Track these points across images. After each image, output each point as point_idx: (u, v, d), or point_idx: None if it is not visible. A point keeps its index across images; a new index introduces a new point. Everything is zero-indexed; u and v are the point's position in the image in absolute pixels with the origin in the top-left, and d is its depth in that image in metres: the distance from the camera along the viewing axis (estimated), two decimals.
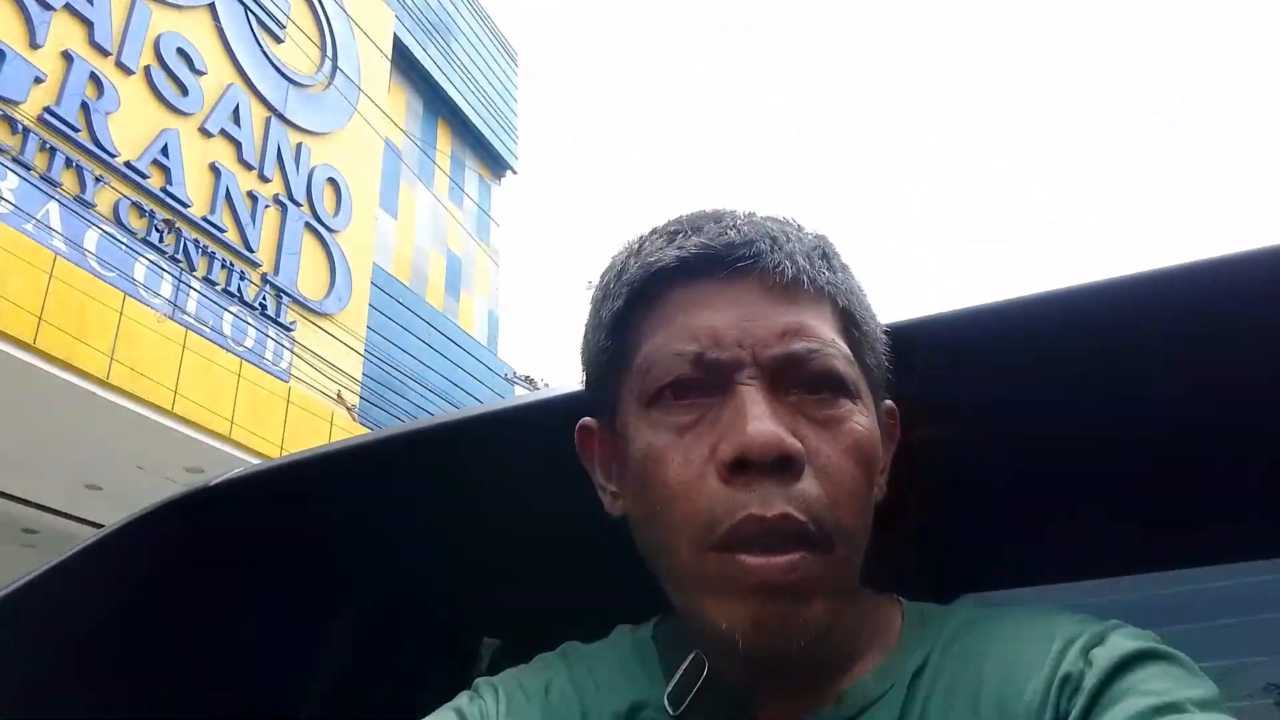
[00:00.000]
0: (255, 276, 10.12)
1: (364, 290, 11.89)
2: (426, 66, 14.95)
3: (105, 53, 8.83)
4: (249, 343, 9.65)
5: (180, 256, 9.17)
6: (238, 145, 10.25)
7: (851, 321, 0.66)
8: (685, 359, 0.62)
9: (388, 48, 13.47)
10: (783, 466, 0.58)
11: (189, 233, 9.36)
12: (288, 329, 10.37)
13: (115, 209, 8.57)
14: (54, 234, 7.79)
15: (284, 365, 10.10)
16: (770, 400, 0.60)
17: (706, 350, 0.61)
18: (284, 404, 8.88)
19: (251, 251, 10.11)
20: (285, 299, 10.41)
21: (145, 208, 8.90)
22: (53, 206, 7.90)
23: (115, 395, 6.89)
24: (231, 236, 9.90)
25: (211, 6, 10.28)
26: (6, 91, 7.71)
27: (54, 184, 7.99)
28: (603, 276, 0.70)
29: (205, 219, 9.58)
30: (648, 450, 0.63)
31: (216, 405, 7.79)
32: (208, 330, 9.01)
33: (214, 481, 0.99)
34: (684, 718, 0.64)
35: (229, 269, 9.75)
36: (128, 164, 8.79)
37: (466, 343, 14.82)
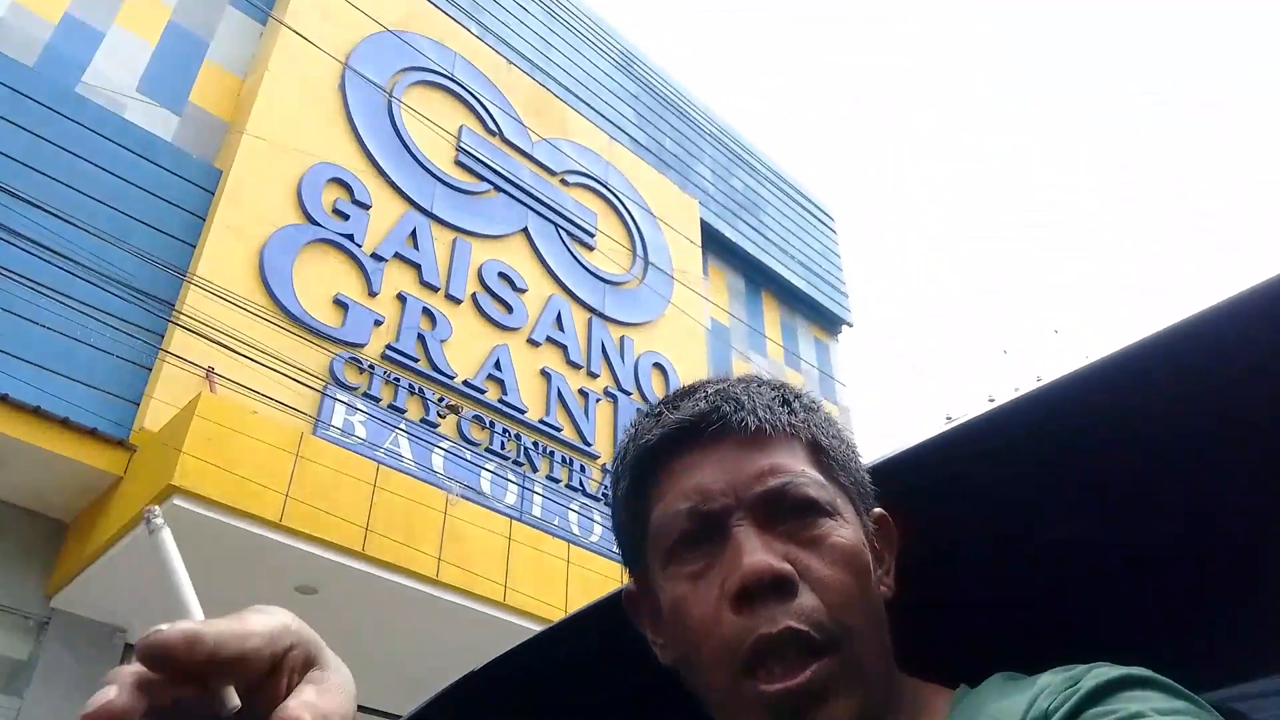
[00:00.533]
0: (595, 468, 10.25)
1: None
2: (740, 244, 15.16)
3: (434, 289, 9.74)
4: (594, 537, 9.64)
5: (523, 460, 9.51)
6: (564, 349, 10.73)
7: (820, 450, 0.77)
8: (683, 516, 0.73)
9: (695, 234, 13.84)
10: (779, 588, 0.68)
11: (528, 437, 9.73)
12: None
13: (459, 427, 9.13)
14: (405, 459, 8.38)
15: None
16: (760, 534, 0.71)
17: (698, 504, 0.73)
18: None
19: (589, 445, 10.31)
20: None
21: (486, 420, 9.41)
22: (402, 438, 8.53)
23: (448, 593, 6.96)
24: (568, 434, 10.18)
25: (525, 230, 11.15)
26: (351, 337, 8.65)
27: (400, 412, 8.70)
28: (613, 462, 0.84)
29: (542, 421, 9.95)
30: (673, 602, 0.73)
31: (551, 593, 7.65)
32: (555, 527, 9.13)
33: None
34: None
35: (569, 465, 9.96)
36: (465, 383, 9.42)
37: None
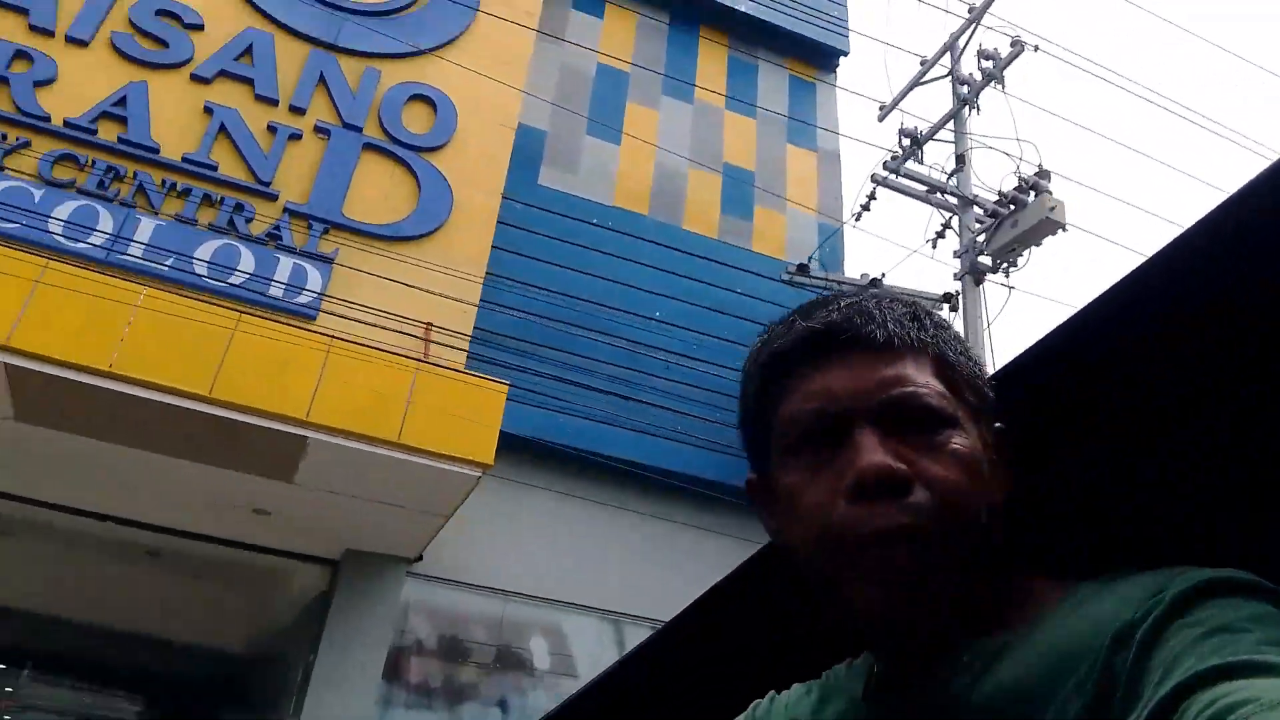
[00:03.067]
0: (269, 206, 8.49)
1: (481, 211, 9.31)
2: None
3: (47, 33, 8.58)
4: (233, 280, 7.92)
5: (131, 201, 8.06)
6: (249, 82, 9.06)
7: (946, 365, 0.80)
8: (810, 415, 0.78)
9: None
10: (894, 487, 0.72)
11: (154, 175, 8.25)
12: (326, 259, 8.40)
13: (39, 170, 7.92)
14: None
15: (307, 301, 8.09)
16: (881, 438, 0.74)
17: (825, 405, 0.78)
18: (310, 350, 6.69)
19: (264, 184, 8.57)
20: (319, 226, 8.52)
21: (84, 159, 8.10)
22: None
23: None
24: (229, 172, 8.52)
25: None
26: None
27: None
28: (745, 362, 0.88)
29: (186, 158, 8.41)
30: (790, 488, 0.79)
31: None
32: (159, 268, 7.61)
33: None
34: (865, 698, 0.83)
35: (218, 203, 8.32)
36: (66, 122, 8.18)
37: (750, 262, 10.79)
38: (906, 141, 9.39)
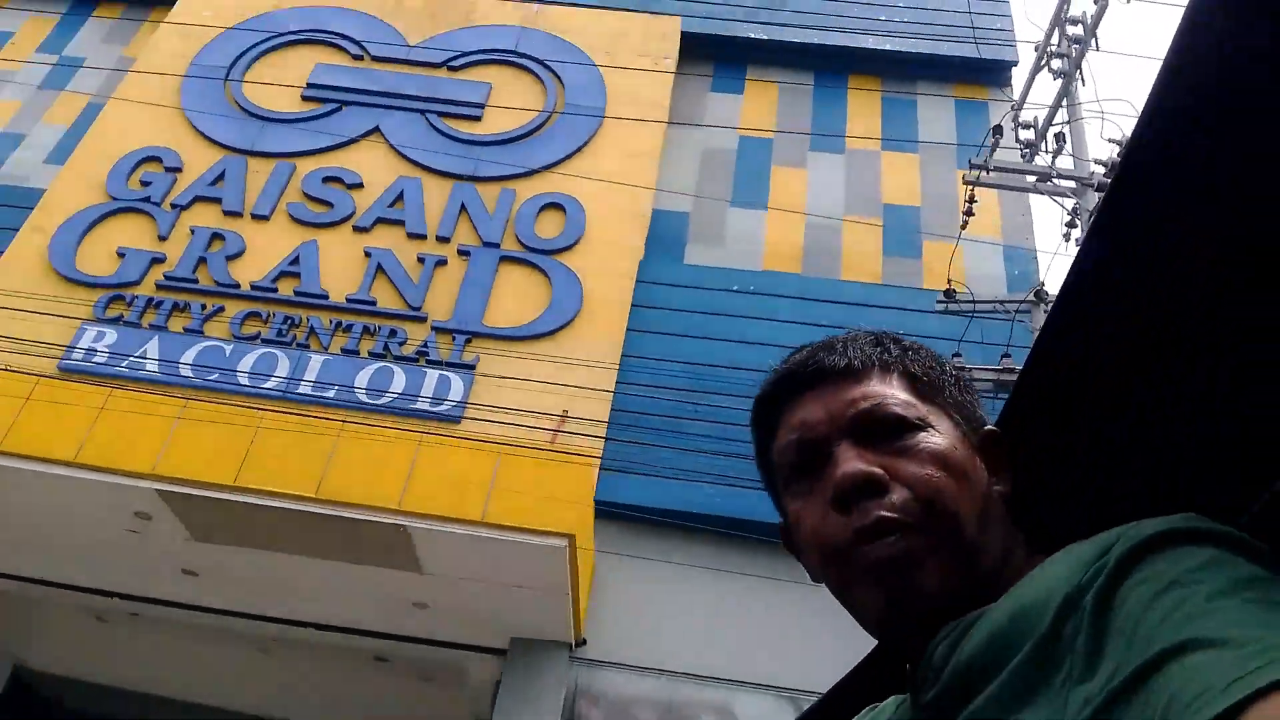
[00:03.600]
0: (420, 328, 9.36)
1: (613, 300, 9.65)
2: (774, 36, 12.30)
3: (236, 215, 10.19)
4: (385, 400, 8.77)
5: (305, 342, 9.23)
6: (401, 224, 10.15)
7: (913, 378, 0.85)
8: (793, 448, 0.84)
9: (671, 51, 11.77)
10: (871, 488, 0.77)
11: (324, 318, 9.41)
12: (469, 367, 9.08)
13: (230, 330, 9.31)
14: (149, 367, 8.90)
15: (449, 408, 8.78)
16: (857, 450, 0.79)
17: (803, 435, 0.83)
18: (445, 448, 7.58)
19: (415, 309, 9.49)
20: (461, 338, 9.25)
21: (265, 314, 9.42)
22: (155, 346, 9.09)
23: None
24: (388, 304, 9.53)
25: (378, 129, 10.93)
26: (123, 278, 9.57)
27: (161, 329, 9.26)
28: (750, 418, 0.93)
29: (350, 299, 9.53)
30: (795, 518, 0.84)
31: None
32: (308, 396, 8.65)
33: None
34: (908, 691, 0.83)
35: (374, 333, 9.31)
36: (254, 285, 9.60)
37: (919, 300, 10.18)
38: (1028, 133, 8.57)
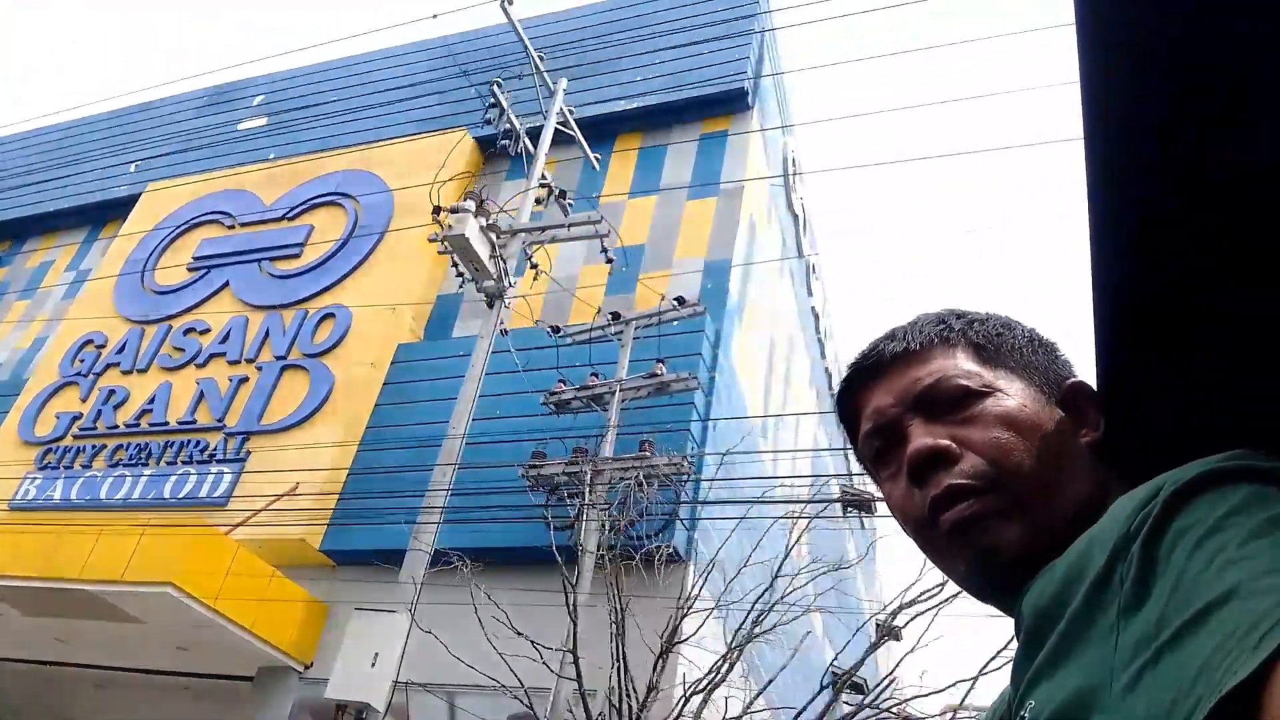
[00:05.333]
0: (217, 437, 12.27)
1: (359, 384, 12.04)
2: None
3: (126, 371, 13.72)
4: (185, 492, 11.76)
5: (142, 461, 12.45)
6: (223, 355, 13.21)
7: (978, 348, 0.90)
8: (871, 437, 0.91)
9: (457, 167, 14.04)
10: (940, 461, 0.82)
11: (157, 440, 12.61)
12: (240, 459, 11.86)
13: (105, 460, 12.75)
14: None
15: (218, 494, 11.60)
16: (926, 426, 0.85)
17: (876, 422, 0.90)
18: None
19: (219, 422, 12.44)
20: (239, 437, 12.06)
21: (127, 445, 12.77)
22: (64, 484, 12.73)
23: None
24: (203, 421, 12.56)
25: (226, 284, 14.11)
26: (53, 435, 13.36)
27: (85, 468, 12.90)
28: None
29: (180, 421, 12.68)
30: (886, 498, 0.90)
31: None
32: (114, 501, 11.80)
33: None
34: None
35: (185, 446, 12.34)
36: (125, 423, 13.03)
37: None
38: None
